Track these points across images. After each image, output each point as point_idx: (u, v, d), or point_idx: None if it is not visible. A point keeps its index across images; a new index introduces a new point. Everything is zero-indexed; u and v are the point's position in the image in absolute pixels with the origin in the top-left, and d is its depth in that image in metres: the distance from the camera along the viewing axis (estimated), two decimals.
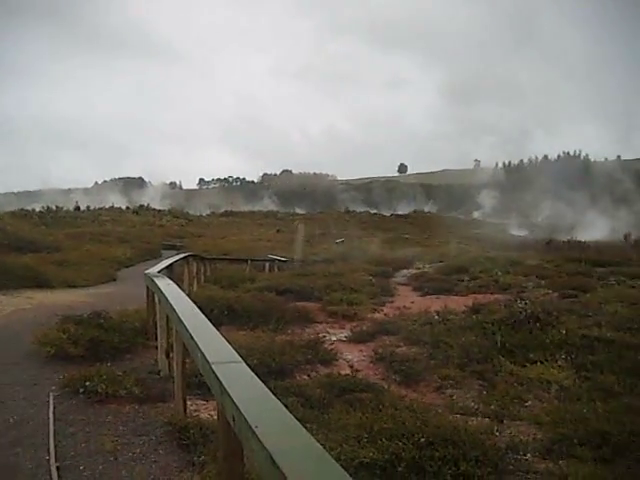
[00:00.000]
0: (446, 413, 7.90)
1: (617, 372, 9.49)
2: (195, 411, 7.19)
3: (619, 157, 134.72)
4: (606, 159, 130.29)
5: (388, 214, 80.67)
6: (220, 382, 3.48)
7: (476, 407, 8.36)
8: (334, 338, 12.22)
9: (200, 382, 6.76)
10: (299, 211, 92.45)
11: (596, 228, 48.71)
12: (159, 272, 10.37)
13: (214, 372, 3.68)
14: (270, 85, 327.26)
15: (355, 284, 18.00)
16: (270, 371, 8.68)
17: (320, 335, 11.91)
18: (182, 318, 5.67)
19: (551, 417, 7.74)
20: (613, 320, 12.54)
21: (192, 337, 4.79)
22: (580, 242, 33.92)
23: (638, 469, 6.21)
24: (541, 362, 9.97)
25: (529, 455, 6.74)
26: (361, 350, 11.35)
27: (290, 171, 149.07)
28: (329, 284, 17.52)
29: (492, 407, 8.28)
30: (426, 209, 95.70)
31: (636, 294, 16.10)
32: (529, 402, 8.58)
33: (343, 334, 12.65)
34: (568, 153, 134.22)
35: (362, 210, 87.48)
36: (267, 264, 26.44)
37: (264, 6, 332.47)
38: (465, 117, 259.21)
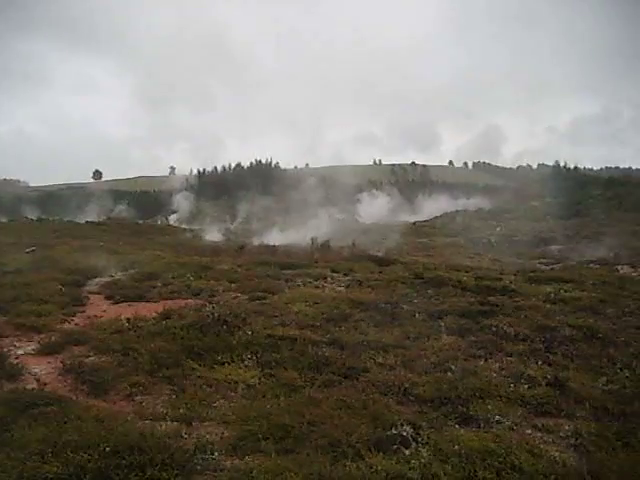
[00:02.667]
0: (135, 420, 7.91)
1: (299, 367, 10.12)
2: None
3: (307, 165, 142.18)
4: (296, 167, 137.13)
5: (82, 221, 78.29)
6: None
7: (165, 412, 8.41)
8: (21, 352, 11.70)
9: None
10: None
11: (287, 232, 50.68)
12: None
13: None
14: None
15: (45, 294, 17.33)
16: None
17: (5, 350, 11.36)
18: None
19: (238, 415, 8.04)
20: (297, 319, 13.28)
21: None
22: (270, 246, 35.24)
23: (316, 457, 6.63)
24: (229, 363, 10.31)
25: (217, 454, 6.95)
26: (49, 362, 10.97)
27: None
28: (16, 295, 16.73)
29: (181, 410, 8.39)
30: (121, 216, 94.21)
31: (319, 294, 17.10)
32: (217, 403, 8.81)
33: (31, 347, 12.14)
34: (260, 161, 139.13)
35: (55, 217, 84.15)
36: None
37: None
38: (160, 123, 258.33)
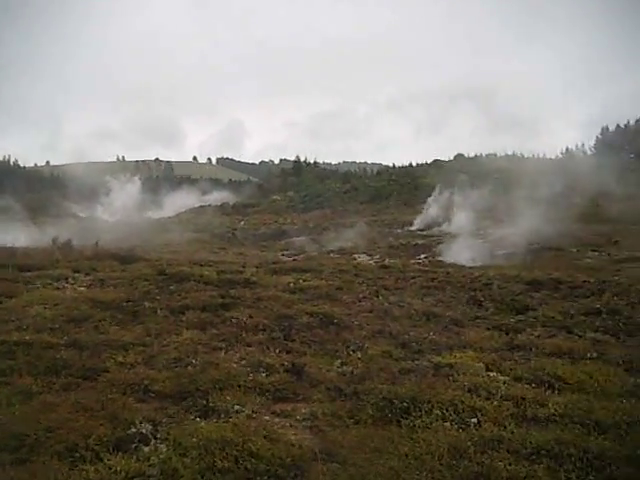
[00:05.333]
0: None
1: (36, 373, 9.74)
2: None
3: (48, 162, 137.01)
4: (36, 164, 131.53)
5: None
6: None
7: None
8: None
9: None
10: None
11: (27, 232, 48.32)
12: None
13: None
14: None
15: None
16: None
17: None
18: None
19: None
20: (35, 322, 12.82)
21: None
22: (8, 247, 33.55)
23: (53, 464, 6.52)
24: None
25: None
26: None
27: None
28: None
29: None
30: None
31: (59, 295, 16.59)
32: None
33: None
34: None
35: None
36: None
37: None
38: None
